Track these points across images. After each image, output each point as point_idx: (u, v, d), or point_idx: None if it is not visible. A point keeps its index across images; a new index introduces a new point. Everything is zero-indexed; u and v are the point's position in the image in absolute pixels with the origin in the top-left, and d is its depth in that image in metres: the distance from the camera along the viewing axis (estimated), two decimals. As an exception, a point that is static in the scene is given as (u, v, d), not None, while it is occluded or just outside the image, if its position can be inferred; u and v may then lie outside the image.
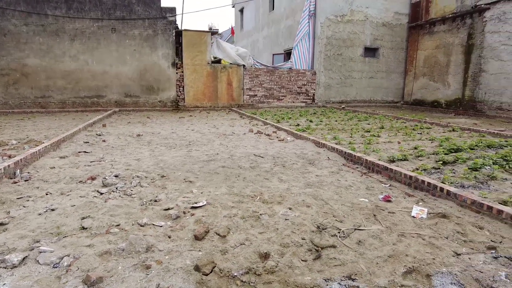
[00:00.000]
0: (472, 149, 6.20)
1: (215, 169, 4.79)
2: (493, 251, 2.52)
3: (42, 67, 12.30)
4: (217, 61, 14.18)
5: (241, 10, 24.96)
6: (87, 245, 2.57)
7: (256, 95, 14.81)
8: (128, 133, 8.05)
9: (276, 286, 2.12)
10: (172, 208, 3.34)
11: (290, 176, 4.56)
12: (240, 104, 14.55)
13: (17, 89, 12.25)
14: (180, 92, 13.76)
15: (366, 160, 4.79)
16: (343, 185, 4.17)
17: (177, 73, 13.63)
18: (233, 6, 26.69)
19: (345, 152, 5.38)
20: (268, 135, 7.74)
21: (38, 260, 2.35)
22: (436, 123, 9.50)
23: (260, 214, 3.18)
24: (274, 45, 19.26)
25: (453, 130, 8.61)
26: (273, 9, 19.26)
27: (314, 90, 15.55)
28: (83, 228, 2.87)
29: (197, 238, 2.72)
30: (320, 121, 10.09)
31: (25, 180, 4.18)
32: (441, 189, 3.55)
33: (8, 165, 4.25)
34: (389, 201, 3.61)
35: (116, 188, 3.93)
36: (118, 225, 2.97)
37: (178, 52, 13.76)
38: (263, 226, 2.96)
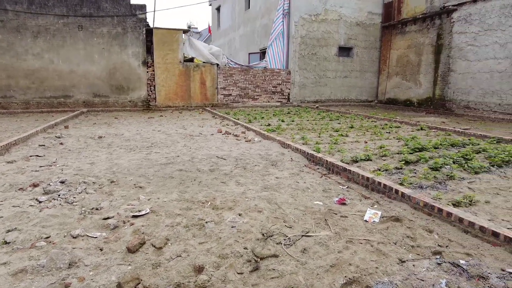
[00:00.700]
0: (436, 148, 6.23)
1: (171, 173, 4.58)
2: (438, 256, 2.44)
3: (2, 65, 11.66)
4: (190, 59, 13.88)
5: (218, 9, 24.65)
6: (3, 263, 2.32)
7: (230, 94, 14.61)
8: (90, 135, 7.70)
9: (203, 304, 1.95)
10: (112, 217, 3.12)
11: (249, 179, 4.41)
12: (214, 104, 14.31)
13: (-25, 89, 11.59)
14: (151, 91, 13.39)
15: (327, 161, 4.69)
16: (301, 188, 4.04)
17: (148, 72, 13.24)
18: (210, 4, 26.36)
19: (308, 153, 5.28)
20: (236, 135, 7.57)
21: None
22: (405, 122, 9.59)
23: (206, 222, 3.00)
24: (250, 44, 19.10)
25: (421, 129, 8.69)
26: (249, 8, 19.09)
27: (289, 89, 15.49)
28: (6, 242, 2.61)
29: (130, 250, 2.52)
30: (292, 121, 10.00)
31: (-42, 189, 3.84)
32: (396, 191, 3.48)
33: None
34: (344, 204, 3.51)
35: (58, 195, 3.66)
36: (48, 237, 2.73)
37: (150, 50, 13.37)
38: (206, 235, 2.78)
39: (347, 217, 3.18)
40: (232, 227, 2.93)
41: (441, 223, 2.98)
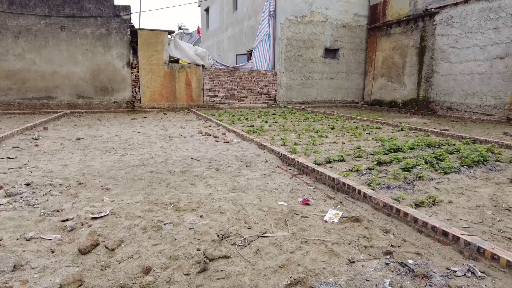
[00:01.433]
0: (412, 149, 6.29)
1: (141, 175, 4.55)
2: (388, 256, 2.46)
3: (-18, 66, 11.50)
4: (175, 60, 13.83)
5: (207, 10, 24.63)
6: None
7: (216, 95, 14.58)
8: (69, 136, 7.62)
9: (143, 306, 1.93)
10: (71, 219, 3.08)
11: (219, 180, 4.40)
12: (200, 105, 14.28)
13: (-46, 89, 11.39)
14: (136, 92, 13.30)
15: (298, 162, 4.71)
16: (269, 188, 4.05)
17: (132, 73, 13.16)
18: (199, 6, 26.32)
19: (282, 154, 5.29)
20: (216, 137, 7.56)
21: None
22: (387, 123, 9.67)
23: (164, 224, 2.99)
24: (238, 45, 19.11)
25: (402, 129, 8.78)
26: (236, 9, 19.10)
27: (276, 91, 15.52)
28: (-45, 246, 2.57)
29: (81, 252, 2.49)
30: (275, 122, 10.03)
31: None
32: (359, 192, 3.51)
33: None
34: (308, 204, 3.53)
35: (21, 197, 3.61)
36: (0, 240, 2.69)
37: (135, 51, 13.29)
38: (161, 237, 2.77)
39: (307, 217, 3.19)
40: (190, 228, 2.92)
41: (399, 224, 3.00)
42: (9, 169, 4.80)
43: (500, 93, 10.73)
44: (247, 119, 10.76)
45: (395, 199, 3.48)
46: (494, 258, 2.21)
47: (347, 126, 9.19)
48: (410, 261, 2.38)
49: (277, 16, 14.83)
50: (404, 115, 13.17)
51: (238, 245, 2.62)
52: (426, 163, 5.17)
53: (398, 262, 2.37)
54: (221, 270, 2.27)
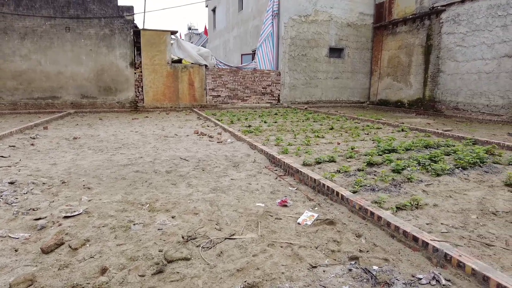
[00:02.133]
0: (408, 149, 6.13)
1: (125, 174, 4.55)
2: (353, 262, 2.37)
3: (-11, 67, 11.76)
4: (178, 60, 13.88)
5: (214, 10, 24.70)
6: None
7: (219, 95, 14.58)
8: (67, 136, 7.71)
9: (89, 308, 1.90)
10: (44, 218, 3.09)
11: (202, 180, 4.36)
12: (203, 105, 14.30)
13: (-37, 89, 11.69)
14: (139, 92, 13.41)
15: (284, 162, 4.64)
16: (251, 189, 3.99)
17: (135, 73, 13.26)
18: (207, 6, 26.42)
19: (270, 154, 5.22)
20: (211, 136, 7.53)
21: None
22: (387, 123, 9.48)
23: (133, 224, 2.96)
24: (243, 45, 19.09)
25: (402, 130, 8.59)
26: (242, 9, 19.08)
27: (279, 90, 15.43)
28: None
29: (44, 251, 2.49)
30: (275, 122, 9.95)
31: None
32: (337, 194, 3.41)
33: None
34: (285, 205, 3.45)
35: (1, 196, 3.64)
36: (-32, 238, 2.71)
37: (138, 52, 13.40)
38: (128, 237, 2.74)
39: (281, 219, 3.12)
40: (158, 229, 2.88)
41: (373, 228, 2.91)
42: (-1, 167, 4.86)
43: (508, 93, 10.40)
44: (247, 119, 10.71)
45: (376, 202, 3.38)
46: (460, 265, 2.10)
47: (347, 127, 9.05)
48: (375, 267, 2.29)
49: (281, 15, 14.73)
50: (409, 115, 12.90)
51: (202, 247, 2.57)
52: (419, 164, 5.03)
53: (362, 268, 2.28)
54: (177, 272, 2.23)
